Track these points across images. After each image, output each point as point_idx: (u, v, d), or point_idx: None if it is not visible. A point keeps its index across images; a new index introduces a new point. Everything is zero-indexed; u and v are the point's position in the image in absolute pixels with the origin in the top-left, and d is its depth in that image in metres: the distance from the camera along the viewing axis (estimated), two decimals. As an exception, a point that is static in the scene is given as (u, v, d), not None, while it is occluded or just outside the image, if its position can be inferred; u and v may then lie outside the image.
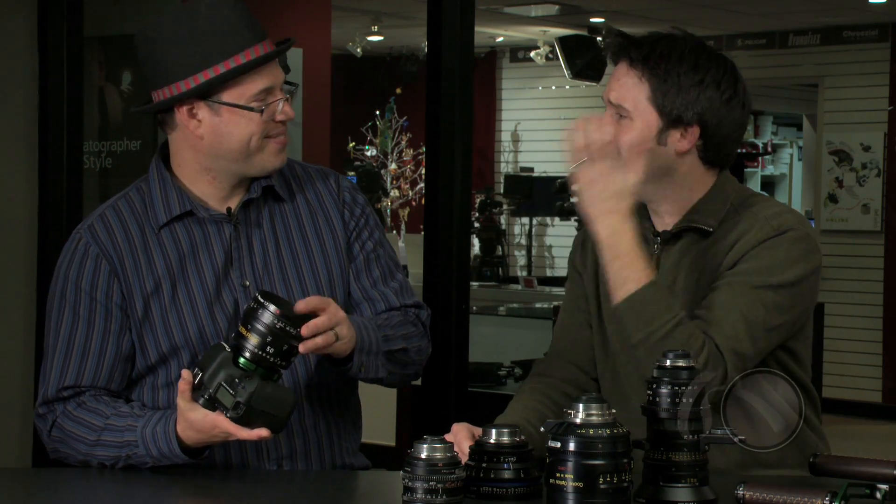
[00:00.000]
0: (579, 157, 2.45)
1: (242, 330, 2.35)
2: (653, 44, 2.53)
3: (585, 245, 2.72)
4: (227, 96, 2.51)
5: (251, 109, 2.51)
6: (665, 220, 2.60)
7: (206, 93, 2.51)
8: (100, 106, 5.99)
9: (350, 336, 2.45)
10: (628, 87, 2.54)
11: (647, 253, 2.45)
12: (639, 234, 2.41)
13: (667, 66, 2.50)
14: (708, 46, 2.56)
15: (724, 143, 2.56)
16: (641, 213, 2.63)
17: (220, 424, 2.36)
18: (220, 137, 2.54)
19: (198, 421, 2.37)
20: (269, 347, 2.34)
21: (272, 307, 2.33)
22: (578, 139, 2.45)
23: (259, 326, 2.33)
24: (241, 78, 2.50)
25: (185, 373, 2.38)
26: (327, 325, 2.38)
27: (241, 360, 2.35)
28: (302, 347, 2.36)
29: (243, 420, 2.34)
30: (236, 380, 2.33)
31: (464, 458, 2.19)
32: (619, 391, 2.58)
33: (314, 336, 2.36)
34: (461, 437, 2.34)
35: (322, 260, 2.65)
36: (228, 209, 2.60)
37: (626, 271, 2.40)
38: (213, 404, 2.35)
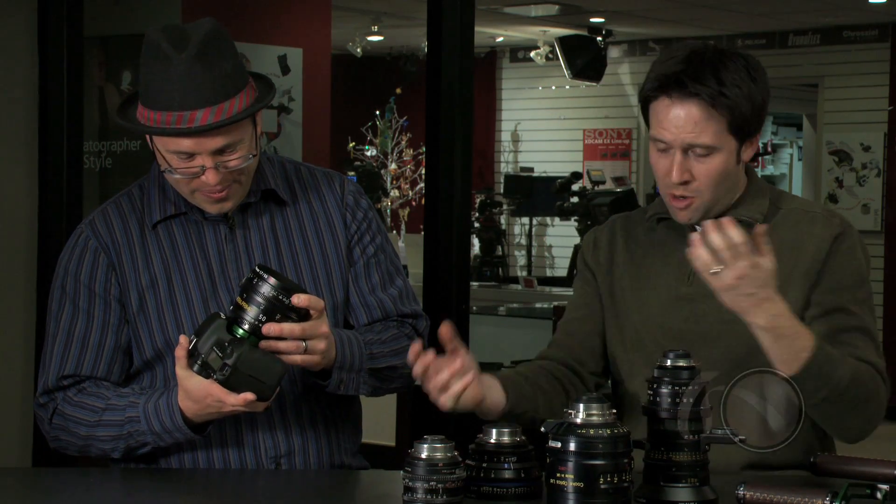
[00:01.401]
0: (716, 265, 2.33)
1: (240, 300, 2.36)
2: (713, 73, 2.43)
3: (598, 244, 2.71)
4: (154, 139, 2.50)
5: (159, 158, 2.50)
6: (707, 216, 2.55)
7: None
8: (100, 106, 5.99)
9: (329, 351, 2.45)
10: (708, 125, 2.45)
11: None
12: (789, 308, 2.36)
13: (739, 90, 2.44)
14: (724, 48, 2.53)
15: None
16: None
17: (212, 391, 2.37)
18: (159, 163, 2.55)
19: (193, 389, 2.39)
20: (262, 316, 2.35)
21: (271, 279, 2.35)
22: (717, 244, 2.31)
23: (257, 297, 2.35)
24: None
25: (182, 338, 2.39)
26: (299, 334, 2.38)
27: (239, 330, 2.36)
28: (262, 344, 2.37)
29: (230, 384, 2.35)
30: (226, 343, 2.34)
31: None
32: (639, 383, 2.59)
33: (280, 339, 2.37)
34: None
35: (322, 263, 2.65)
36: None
37: (797, 344, 2.34)
38: (206, 370, 2.36)
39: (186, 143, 2.45)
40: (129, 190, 2.66)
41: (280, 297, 2.35)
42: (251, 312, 2.35)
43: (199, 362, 2.37)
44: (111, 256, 2.58)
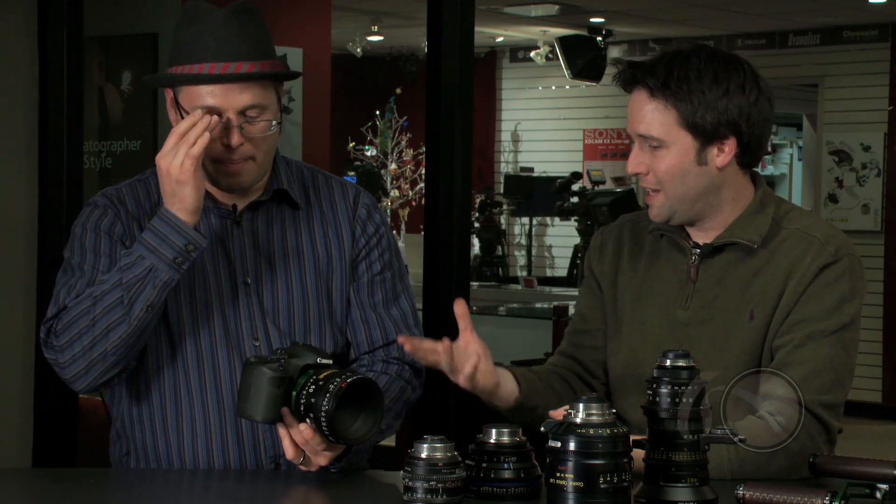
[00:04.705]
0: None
1: (323, 375, 2.32)
2: (667, 66, 2.47)
3: (604, 249, 2.69)
4: (180, 98, 2.52)
5: (181, 116, 2.50)
6: (706, 233, 2.56)
7: (174, 90, 2.53)
8: (100, 106, 5.99)
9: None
10: (655, 116, 2.48)
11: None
12: None
13: (689, 86, 2.45)
14: (720, 53, 2.51)
15: (759, 144, 2.53)
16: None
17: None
18: None
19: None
20: (309, 410, 2.32)
21: (331, 405, 2.27)
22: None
23: (317, 395, 2.29)
24: (191, 87, 2.49)
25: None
26: (289, 451, 2.39)
27: (302, 377, 2.34)
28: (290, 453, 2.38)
29: (245, 371, 2.35)
30: (282, 360, 2.34)
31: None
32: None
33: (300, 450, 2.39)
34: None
35: (326, 271, 2.64)
36: (235, 206, 2.61)
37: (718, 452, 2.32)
38: (260, 360, 2.36)
39: (216, 96, 2.47)
40: (146, 178, 2.67)
41: (321, 421, 2.30)
42: (310, 390, 2.31)
43: (266, 356, 2.38)
44: (122, 223, 2.58)
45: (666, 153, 2.49)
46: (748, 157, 2.53)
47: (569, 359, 2.71)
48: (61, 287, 2.54)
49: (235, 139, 2.48)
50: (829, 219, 10.46)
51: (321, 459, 2.40)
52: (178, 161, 2.41)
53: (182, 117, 2.50)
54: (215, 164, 2.52)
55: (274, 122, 2.52)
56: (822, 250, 2.48)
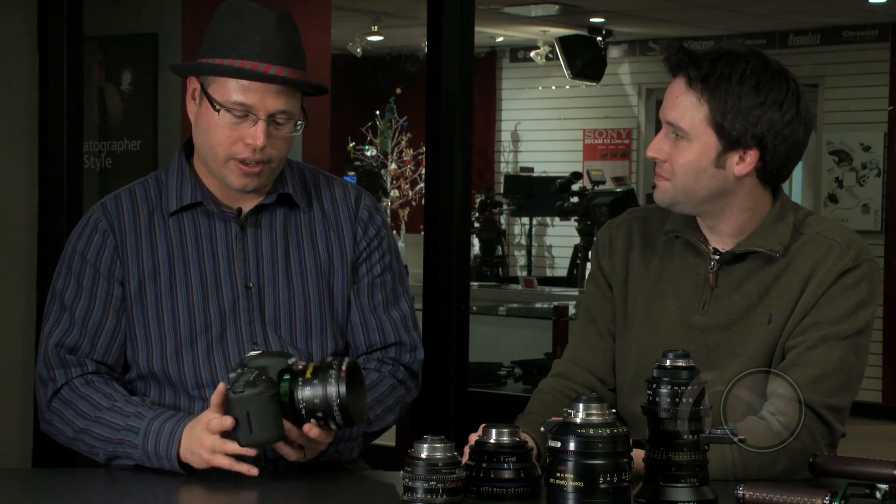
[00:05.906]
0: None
1: (310, 370, 2.32)
2: (713, 62, 2.45)
3: (615, 247, 2.66)
4: (211, 90, 2.53)
5: (212, 105, 2.51)
6: (723, 239, 2.55)
7: (202, 79, 2.54)
8: (100, 106, 5.99)
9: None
10: (686, 107, 2.46)
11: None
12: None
13: (727, 86, 2.43)
14: (772, 64, 2.50)
15: (784, 164, 2.51)
16: (691, 223, 2.58)
17: (203, 442, 2.38)
18: (198, 128, 2.57)
19: (198, 425, 2.39)
20: (313, 408, 2.31)
21: (343, 390, 2.29)
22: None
23: (319, 390, 2.30)
24: (226, 81, 2.51)
25: (221, 385, 2.37)
26: (291, 455, 2.42)
27: (285, 383, 2.33)
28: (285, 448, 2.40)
29: (229, 404, 2.33)
30: (263, 377, 2.31)
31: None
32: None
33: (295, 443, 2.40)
34: None
35: (328, 272, 2.64)
36: (240, 209, 2.61)
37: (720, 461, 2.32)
38: (231, 382, 2.35)
39: (251, 95, 2.49)
40: (146, 180, 2.68)
41: (336, 413, 2.31)
42: (306, 391, 2.31)
43: (235, 370, 2.36)
44: (116, 239, 2.60)
45: (687, 146, 2.47)
46: (768, 175, 2.51)
47: (581, 367, 2.65)
48: (46, 321, 2.61)
49: (261, 140, 2.50)
50: (829, 219, 10.45)
51: (319, 447, 2.44)
52: (209, 450, 2.40)
53: (215, 108, 2.50)
54: (232, 163, 2.53)
55: (299, 123, 2.55)
56: (844, 255, 2.49)
